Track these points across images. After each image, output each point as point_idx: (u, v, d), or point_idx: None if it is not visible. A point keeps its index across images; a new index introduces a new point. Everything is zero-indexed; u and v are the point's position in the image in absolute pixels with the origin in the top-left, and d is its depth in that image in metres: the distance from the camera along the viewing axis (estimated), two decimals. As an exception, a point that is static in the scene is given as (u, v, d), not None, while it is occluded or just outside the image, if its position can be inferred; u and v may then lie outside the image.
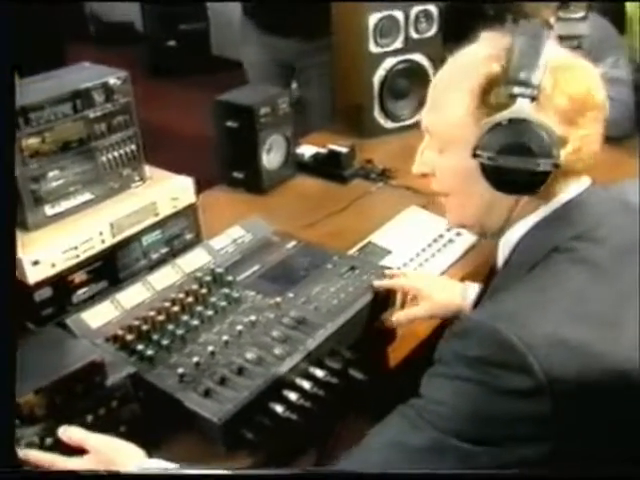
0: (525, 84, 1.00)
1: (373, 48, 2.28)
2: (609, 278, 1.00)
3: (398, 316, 1.46)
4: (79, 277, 1.53)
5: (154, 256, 1.67)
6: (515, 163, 1.01)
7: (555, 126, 1.00)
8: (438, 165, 1.14)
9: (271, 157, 2.07)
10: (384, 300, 1.48)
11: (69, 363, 1.14)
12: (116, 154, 1.63)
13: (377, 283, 1.48)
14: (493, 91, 1.03)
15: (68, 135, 1.53)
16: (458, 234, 1.76)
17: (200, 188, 1.99)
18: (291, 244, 1.63)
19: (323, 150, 2.16)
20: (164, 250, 1.69)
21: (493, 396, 0.93)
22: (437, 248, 1.72)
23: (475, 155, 1.03)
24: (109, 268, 1.58)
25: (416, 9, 2.30)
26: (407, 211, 1.86)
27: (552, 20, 2.21)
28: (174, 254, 1.66)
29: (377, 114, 2.39)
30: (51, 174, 1.53)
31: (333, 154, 2.12)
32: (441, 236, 1.75)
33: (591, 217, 1.06)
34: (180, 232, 1.72)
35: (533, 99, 1.00)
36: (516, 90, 1.00)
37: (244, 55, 3.05)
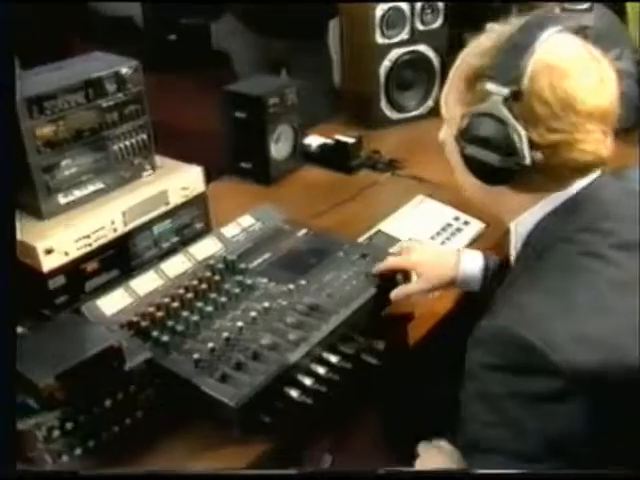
0: (501, 82, 1.02)
1: (379, 39, 2.29)
2: (616, 270, 1.01)
3: (396, 292, 1.46)
4: (92, 265, 1.54)
5: (165, 245, 1.68)
6: (481, 156, 1.06)
7: (527, 127, 1.02)
8: (446, 137, 1.18)
9: (279, 147, 2.08)
10: (392, 284, 1.49)
11: (87, 348, 1.15)
12: (127, 143, 1.63)
13: (374, 270, 1.49)
14: (477, 83, 1.06)
15: (81, 124, 1.54)
16: (466, 223, 1.77)
17: (208, 179, 2.01)
18: (302, 232, 1.64)
19: (330, 141, 2.17)
20: (175, 239, 1.70)
21: (530, 405, 0.95)
22: (445, 236, 1.74)
23: (456, 140, 1.09)
24: (121, 256, 1.59)
25: (422, 1, 2.31)
26: (414, 200, 1.88)
27: (557, 11, 2.22)
28: (184, 243, 1.67)
29: (383, 105, 2.40)
30: (64, 163, 1.53)
31: (340, 145, 2.12)
32: (449, 225, 1.76)
33: (598, 209, 1.07)
34: (190, 221, 1.73)
35: (506, 98, 1.01)
36: (489, 87, 1.03)
37: (233, 53, 3.07)
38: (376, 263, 1.50)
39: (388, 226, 1.76)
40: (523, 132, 1.01)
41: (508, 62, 1.02)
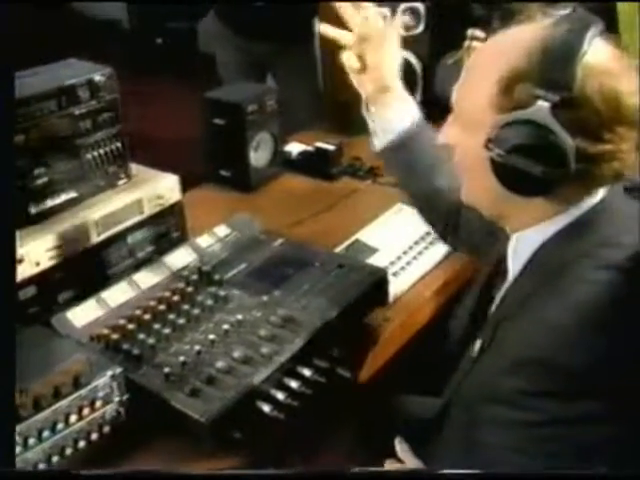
0: (549, 87, 0.95)
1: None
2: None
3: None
4: (64, 275, 1.51)
5: (140, 254, 1.65)
6: (522, 166, 0.98)
7: (576, 135, 0.96)
8: (460, 140, 1.12)
9: (258, 155, 2.06)
10: (374, 298, 1.48)
11: (53, 362, 1.13)
12: (102, 151, 1.61)
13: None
14: (517, 86, 0.99)
15: (53, 132, 1.51)
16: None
17: (187, 186, 1.99)
18: (278, 242, 1.62)
19: (310, 148, 2.15)
20: (150, 249, 1.68)
21: (567, 429, 0.94)
22: (424, 245, 1.72)
23: (487, 147, 1.01)
24: (95, 266, 1.56)
25: (403, 6, 2.29)
26: (394, 209, 1.86)
27: (539, 17, 2.21)
28: (160, 252, 1.64)
29: (365, 112, 2.37)
30: (36, 171, 1.51)
31: (320, 152, 2.11)
32: (428, 234, 1.74)
33: (616, 222, 1.04)
34: (166, 230, 1.71)
35: (555, 105, 0.95)
36: (538, 92, 0.96)
37: (218, 56, 3.05)
38: (356, 275, 1.48)
39: (366, 235, 1.75)
40: (572, 142, 0.95)
41: (557, 65, 0.95)
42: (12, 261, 0.91)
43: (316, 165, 2.12)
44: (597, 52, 0.98)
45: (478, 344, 1.14)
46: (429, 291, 1.62)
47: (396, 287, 1.56)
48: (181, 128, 3.17)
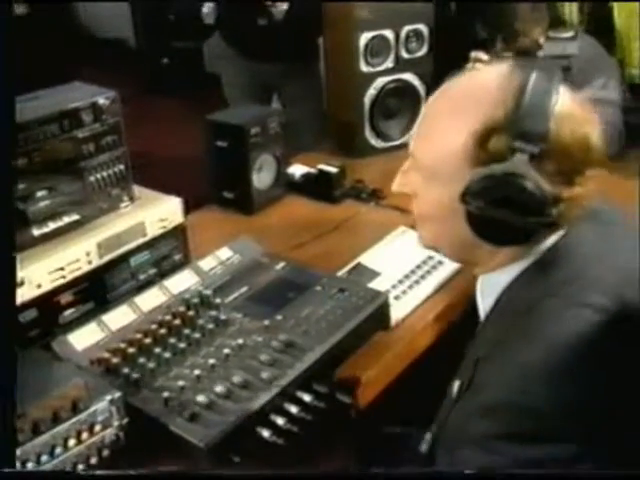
0: (526, 139, 0.95)
1: (364, 67, 2.29)
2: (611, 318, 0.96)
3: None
4: (66, 298, 1.52)
5: (142, 277, 1.66)
6: (502, 217, 0.98)
7: (551, 184, 0.97)
8: (421, 191, 1.11)
9: (261, 177, 2.07)
10: (375, 322, 1.47)
11: (52, 387, 1.13)
12: (105, 174, 1.62)
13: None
14: (493, 138, 0.98)
15: (56, 155, 1.52)
16: (448, 255, 1.75)
17: (190, 208, 2.00)
18: (280, 265, 1.62)
19: (313, 170, 2.16)
20: (152, 271, 1.68)
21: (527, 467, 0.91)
22: (426, 269, 1.72)
23: (463, 200, 1.00)
24: (96, 289, 1.57)
25: (407, 29, 2.32)
26: (397, 232, 1.86)
27: (542, 40, 2.23)
28: (162, 275, 1.65)
29: (368, 134, 2.39)
30: (39, 194, 1.52)
31: (323, 174, 2.11)
32: (430, 257, 1.74)
33: (580, 256, 1.02)
34: (169, 253, 1.71)
35: (532, 156, 0.95)
36: (517, 144, 0.95)
37: (223, 76, 3.06)
38: (358, 299, 1.48)
39: (368, 259, 1.75)
40: (550, 190, 0.96)
41: (533, 116, 0.95)
42: (12, 285, 0.91)
43: (319, 188, 2.12)
44: (565, 100, 0.99)
45: (457, 385, 1.11)
46: (431, 315, 1.61)
47: (398, 311, 1.56)
48: (186, 149, 3.18)
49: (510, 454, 0.92)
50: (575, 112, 1.00)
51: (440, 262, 1.73)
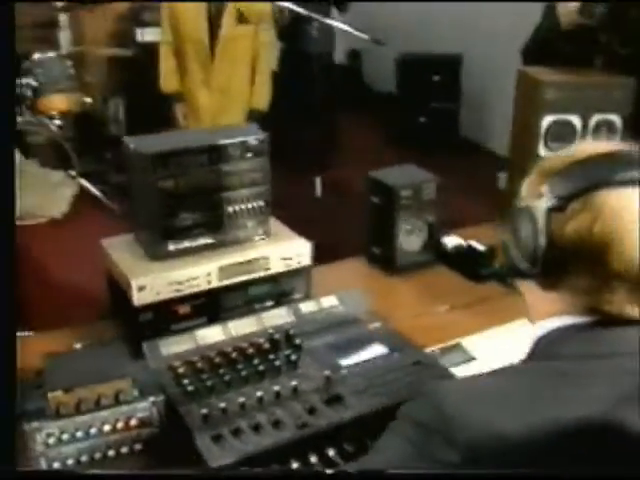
0: (554, 192, 1.00)
1: (542, 151, 2.23)
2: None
3: None
4: (181, 309, 1.71)
5: (257, 306, 1.80)
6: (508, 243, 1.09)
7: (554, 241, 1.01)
8: None
9: (411, 240, 2.11)
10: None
11: (103, 377, 1.30)
12: (243, 207, 1.79)
13: None
14: (543, 181, 1.03)
15: (201, 183, 1.73)
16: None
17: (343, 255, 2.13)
18: (375, 325, 1.66)
19: (464, 244, 2.15)
20: (269, 303, 1.81)
21: (422, 458, 0.98)
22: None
23: None
24: (211, 306, 1.74)
25: (597, 117, 2.21)
26: (516, 323, 1.80)
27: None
28: (279, 309, 1.77)
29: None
30: (181, 215, 1.73)
31: (471, 250, 2.10)
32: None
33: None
34: (290, 290, 1.84)
35: (550, 209, 1.00)
36: (545, 189, 1.01)
37: None
38: (423, 373, 1.48)
39: (472, 342, 1.72)
40: (544, 242, 1.00)
41: (572, 180, 0.99)
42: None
43: (466, 263, 2.11)
44: (613, 196, 0.99)
45: None
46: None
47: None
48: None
49: (412, 438, 1.00)
50: (608, 213, 0.97)
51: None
